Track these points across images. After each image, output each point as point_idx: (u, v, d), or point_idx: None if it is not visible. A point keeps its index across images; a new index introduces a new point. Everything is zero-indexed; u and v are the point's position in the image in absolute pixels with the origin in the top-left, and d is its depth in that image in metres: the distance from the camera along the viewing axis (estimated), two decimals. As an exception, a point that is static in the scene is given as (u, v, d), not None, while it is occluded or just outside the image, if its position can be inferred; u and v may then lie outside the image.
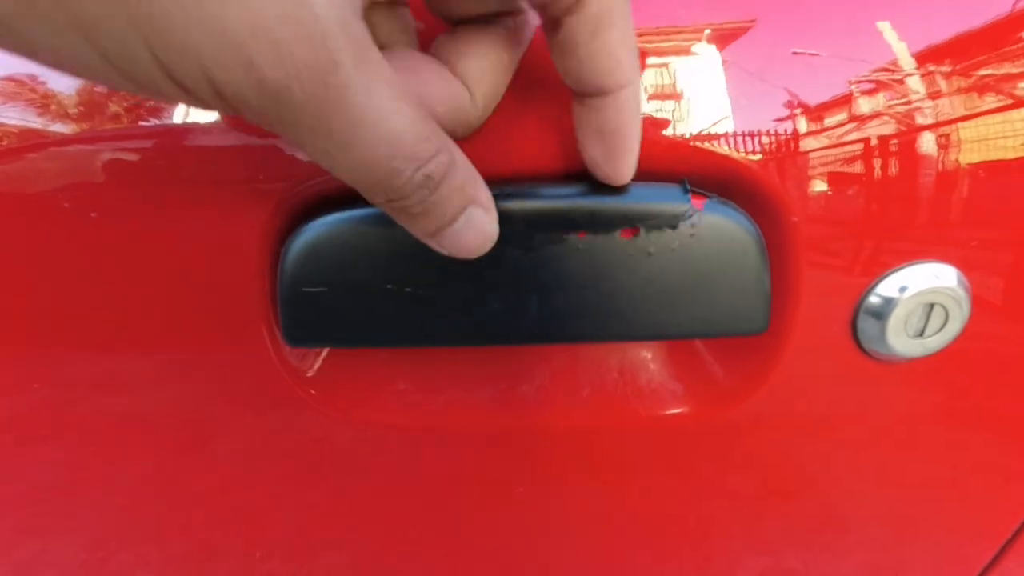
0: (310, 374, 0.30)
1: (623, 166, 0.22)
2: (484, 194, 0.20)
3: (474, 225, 0.20)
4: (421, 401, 0.31)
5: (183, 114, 0.25)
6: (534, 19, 0.22)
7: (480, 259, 0.25)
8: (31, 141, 0.26)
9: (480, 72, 0.21)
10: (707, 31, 0.25)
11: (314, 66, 0.14)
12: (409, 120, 0.17)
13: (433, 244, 0.20)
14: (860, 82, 0.25)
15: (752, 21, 0.25)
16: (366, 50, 0.16)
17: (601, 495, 0.34)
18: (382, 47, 0.20)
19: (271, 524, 0.35)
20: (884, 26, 0.26)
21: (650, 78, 0.25)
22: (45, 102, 0.26)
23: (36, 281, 0.28)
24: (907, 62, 0.25)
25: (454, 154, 0.19)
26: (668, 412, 0.31)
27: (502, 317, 0.26)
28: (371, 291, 0.25)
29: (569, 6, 0.18)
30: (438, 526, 0.34)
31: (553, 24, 0.19)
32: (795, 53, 0.25)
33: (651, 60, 0.25)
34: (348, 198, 0.25)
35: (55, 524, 0.35)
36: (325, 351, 0.31)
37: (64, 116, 0.26)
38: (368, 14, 0.20)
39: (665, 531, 0.35)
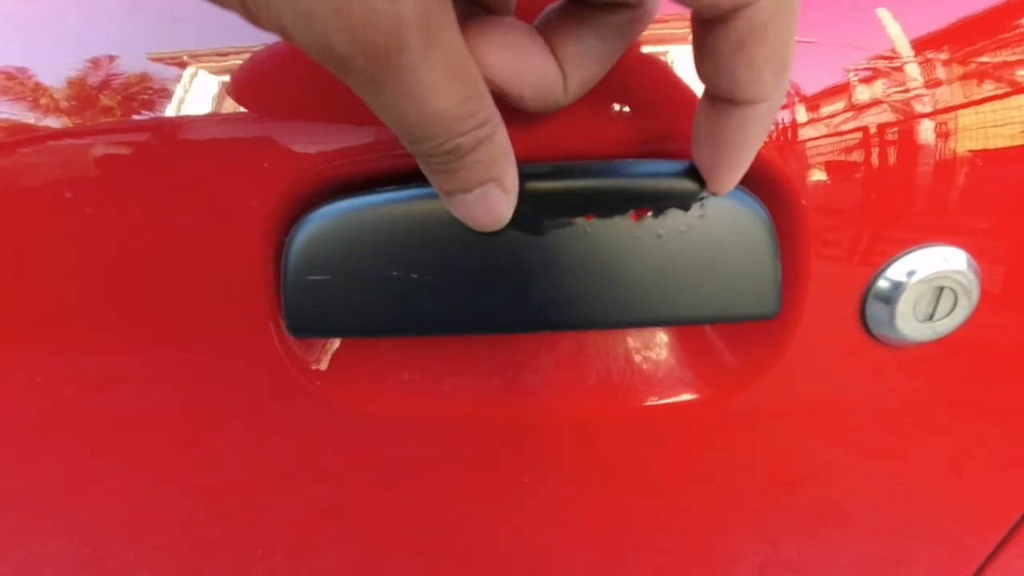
0: (315, 366, 0.30)
1: (727, 179, 0.21)
2: (509, 177, 0.20)
3: (488, 201, 0.20)
4: (427, 391, 0.31)
5: (181, 106, 0.25)
6: (651, 13, 0.21)
7: (485, 245, 0.25)
8: (28, 135, 0.25)
9: (580, 59, 0.20)
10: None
11: (382, 48, 0.15)
12: (458, 99, 0.17)
13: (445, 202, 0.21)
14: (867, 68, 0.25)
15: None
16: (439, 33, 0.16)
17: (607, 484, 0.33)
18: (485, 11, 0.20)
19: (278, 519, 0.34)
20: (887, 13, 0.25)
21: (657, 66, 0.25)
22: (40, 96, 0.26)
23: (37, 276, 0.28)
24: (911, 48, 0.25)
25: (494, 131, 0.18)
26: (676, 399, 0.31)
27: (508, 304, 0.25)
28: (376, 279, 0.25)
29: (722, 15, 0.17)
30: (444, 517, 0.34)
31: (700, 24, 0.18)
32: (800, 41, 0.25)
33: (656, 48, 0.25)
34: (352, 186, 0.25)
35: (57, 522, 0.35)
36: (330, 342, 0.30)
37: (57, 110, 0.25)
38: None
39: (673, 520, 0.35)
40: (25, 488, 0.34)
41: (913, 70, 0.25)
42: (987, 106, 0.26)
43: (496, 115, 0.19)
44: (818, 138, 0.25)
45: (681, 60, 0.25)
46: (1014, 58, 0.25)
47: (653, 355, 0.31)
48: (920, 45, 0.25)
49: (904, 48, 0.25)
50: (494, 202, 0.20)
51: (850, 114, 0.25)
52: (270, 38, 0.24)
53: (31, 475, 0.33)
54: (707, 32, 0.17)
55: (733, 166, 0.21)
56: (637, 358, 0.31)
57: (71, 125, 0.25)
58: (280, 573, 0.36)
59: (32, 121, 0.26)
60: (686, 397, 0.31)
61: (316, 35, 0.14)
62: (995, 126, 0.26)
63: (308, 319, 0.26)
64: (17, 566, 0.37)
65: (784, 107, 0.25)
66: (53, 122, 0.25)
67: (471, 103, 0.17)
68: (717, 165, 0.21)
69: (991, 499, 0.35)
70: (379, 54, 0.15)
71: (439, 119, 0.17)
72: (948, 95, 0.25)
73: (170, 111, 0.25)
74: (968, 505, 0.35)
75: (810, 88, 0.25)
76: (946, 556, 0.38)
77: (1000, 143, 0.26)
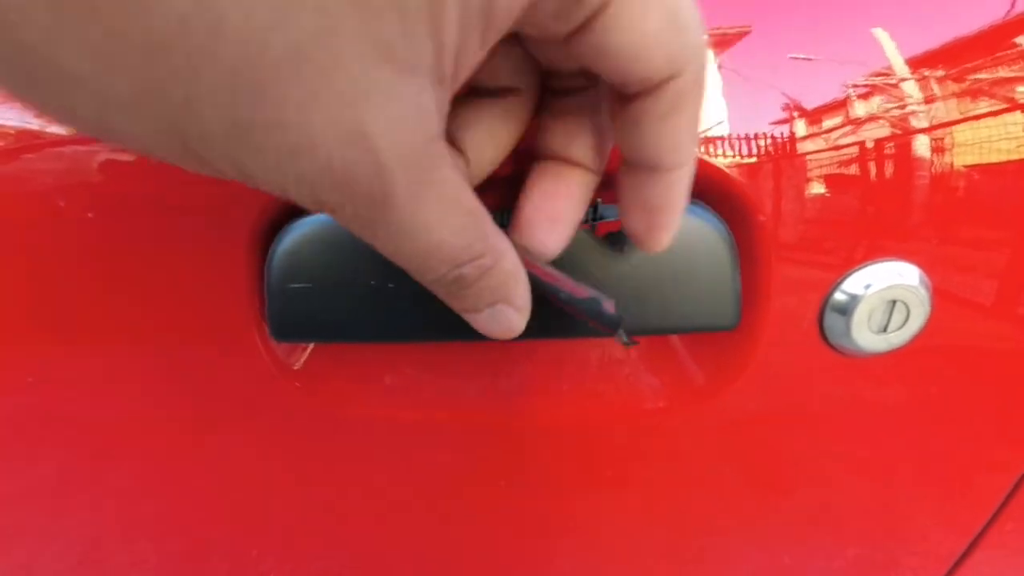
0: (296, 367, 0.31)
1: (663, 239, 0.22)
2: (519, 295, 0.20)
3: (499, 320, 0.20)
4: (405, 396, 0.32)
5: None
6: (533, 98, 0.22)
7: None
8: (27, 142, 0.27)
9: (481, 145, 0.21)
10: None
11: (367, 197, 0.15)
12: (452, 231, 0.17)
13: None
14: (825, 85, 0.27)
15: (719, 28, 0.27)
16: (429, 171, 0.16)
17: (583, 489, 0.34)
18: None
19: (266, 521, 0.35)
20: (862, 29, 0.27)
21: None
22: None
23: (29, 280, 0.29)
24: (879, 64, 0.26)
25: (500, 257, 0.19)
26: (646, 406, 0.32)
27: None
28: (356, 287, 0.26)
29: (647, 89, 0.17)
30: (422, 519, 0.35)
31: (622, 100, 0.18)
32: (792, 56, 0.27)
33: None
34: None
35: (48, 525, 0.36)
36: (313, 346, 0.32)
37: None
38: None
39: (645, 525, 0.36)
40: (16, 490, 0.35)
41: (867, 89, 0.27)
42: (941, 130, 0.27)
43: (500, 242, 0.19)
44: (774, 154, 0.27)
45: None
46: (971, 79, 0.27)
47: (625, 363, 0.33)
48: (881, 63, 0.26)
49: (863, 67, 0.26)
50: (505, 320, 0.20)
51: (806, 133, 0.27)
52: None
53: (21, 477, 0.34)
54: (630, 105, 0.18)
55: (667, 226, 0.21)
56: (610, 366, 0.33)
57: (64, 134, 0.27)
58: (272, 574, 0.37)
59: (37, 128, 0.27)
60: (656, 404, 0.32)
61: (308, 191, 0.15)
62: (953, 151, 0.27)
63: (290, 324, 0.27)
64: (12, 567, 0.37)
65: (742, 123, 0.26)
66: (56, 129, 0.27)
67: (468, 233, 0.17)
68: (653, 229, 0.21)
69: (954, 505, 0.36)
70: (366, 202, 0.15)
71: (436, 253, 0.17)
72: (904, 115, 0.27)
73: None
74: (932, 511, 0.36)
75: (768, 107, 0.27)
76: (915, 563, 0.39)
77: (955, 161, 0.27)
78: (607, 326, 0.24)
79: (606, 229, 0.26)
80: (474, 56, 0.15)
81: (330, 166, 0.14)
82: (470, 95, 0.21)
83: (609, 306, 0.24)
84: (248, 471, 0.33)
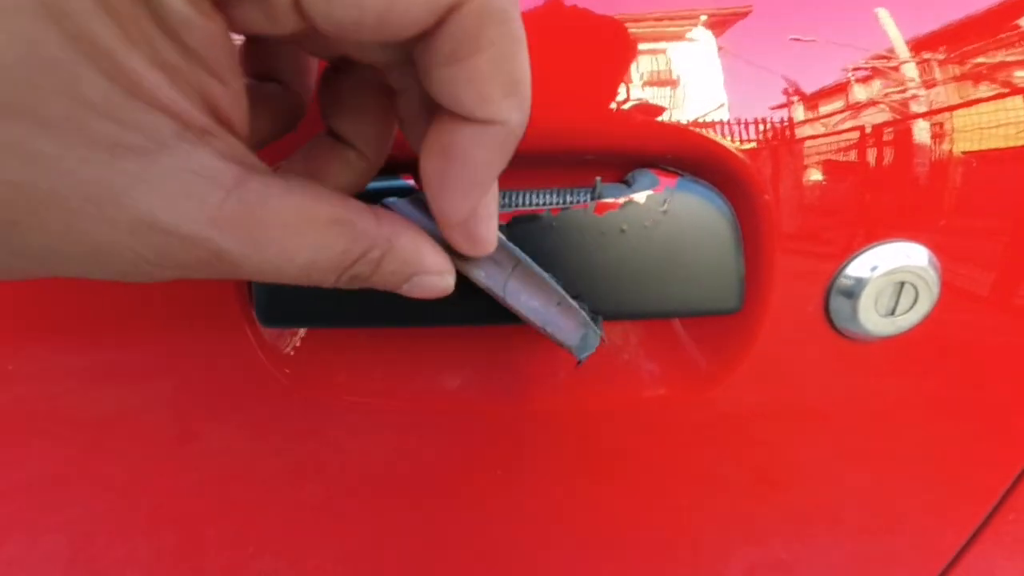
0: (287, 351, 0.30)
1: (457, 202, 0.18)
2: (431, 262, 0.20)
3: (423, 288, 0.20)
4: (397, 384, 0.31)
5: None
6: (399, 69, 0.20)
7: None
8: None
9: (367, 134, 0.21)
10: (671, 19, 0.26)
11: (208, 265, 0.15)
12: (316, 249, 0.16)
13: None
14: (831, 67, 0.26)
15: (720, 9, 0.26)
16: (253, 216, 0.15)
17: (579, 478, 0.34)
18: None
19: (261, 515, 0.34)
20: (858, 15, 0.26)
21: (624, 65, 0.25)
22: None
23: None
24: (884, 45, 0.25)
25: (390, 241, 0.18)
26: (645, 393, 0.31)
27: (474, 296, 0.26)
28: None
29: (427, 28, 0.15)
30: (416, 508, 0.34)
31: (410, 47, 0.16)
32: (792, 39, 0.26)
33: (621, 53, 0.25)
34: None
35: (41, 520, 0.35)
36: (302, 334, 0.31)
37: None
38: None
39: (644, 514, 0.35)
40: (9, 485, 0.34)
41: (873, 71, 0.26)
42: (951, 112, 0.26)
43: (386, 226, 0.18)
44: (780, 134, 0.26)
45: (678, 58, 0.25)
46: (981, 59, 0.26)
47: (624, 350, 0.32)
48: (885, 45, 0.26)
49: (866, 49, 0.26)
50: (428, 287, 0.20)
51: (812, 112, 0.26)
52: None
53: (13, 472, 0.33)
54: (420, 52, 0.16)
55: (465, 188, 0.18)
56: (607, 353, 0.32)
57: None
58: (268, 570, 0.36)
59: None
60: (656, 391, 0.31)
61: (149, 275, 0.15)
62: (960, 130, 0.26)
63: (278, 309, 0.26)
64: (4, 563, 0.37)
65: (747, 103, 0.25)
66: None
67: (339, 241, 0.17)
68: (446, 182, 0.18)
69: (959, 494, 0.35)
70: (211, 270, 0.15)
71: (315, 271, 0.17)
72: (911, 97, 0.26)
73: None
74: (937, 501, 0.36)
75: (772, 86, 0.26)
76: (917, 553, 0.38)
77: (962, 145, 0.26)
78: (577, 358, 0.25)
79: (605, 209, 0.25)
80: (226, 94, 0.15)
81: (142, 258, 0.14)
82: (337, 80, 0.20)
83: (577, 349, 0.25)
84: (238, 459, 0.32)
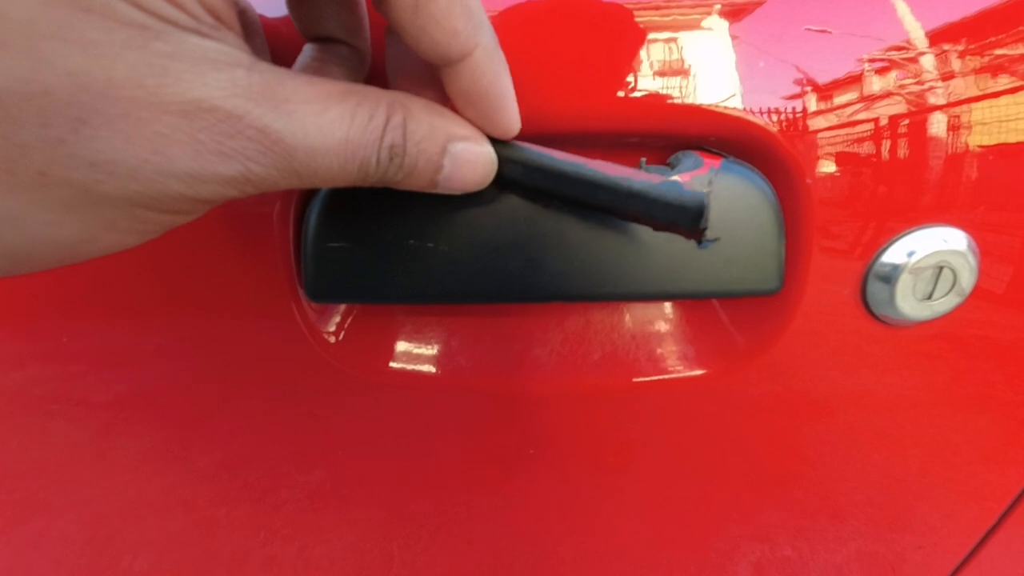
0: (331, 329, 0.31)
1: (501, 123, 0.21)
2: (458, 126, 0.20)
3: (463, 162, 0.20)
4: (435, 363, 0.32)
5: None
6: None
7: (499, 216, 0.26)
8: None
9: (349, 22, 0.22)
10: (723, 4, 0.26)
11: (256, 143, 0.16)
12: (345, 123, 0.17)
13: (440, 191, 0.21)
14: (879, 57, 0.26)
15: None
16: (277, 87, 0.16)
17: (611, 459, 0.34)
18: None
19: (297, 482, 0.35)
20: (899, 4, 0.26)
21: (669, 47, 0.26)
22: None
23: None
24: (919, 33, 0.26)
25: (407, 108, 0.19)
26: (678, 375, 0.31)
27: (519, 275, 0.26)
28: (393, 247, 0.26)
29: None
30: (450, 489, 0.35)
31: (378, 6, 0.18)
32: (807, 29, 0.26)
33: (666, 35, 0.26)
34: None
35: (64, 497, 0.36)
36: (346, 311, 0.31)
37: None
38: None
39: (678, 497, 0.36)
40: (33, 461, 0.34)
41: (923, 59, 0.26)
42: (997, 100, 0.26)
43: (394, 96, 0.19)
44: (825, 118, 0.26)
45: (724, 41, 0.26)
46: (1018, 52, 0.26)
47: (657, 330, 0.32)
48: (919, 33, 0.26)
49: (907, 37, 0.26)
50: (468, 156, 0.20)
51: (857, 96, 0.26)
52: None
53: (40, 448, 0.34)
54: (384, 11, 0.18)
55: (499, 112, 0.21)
56: (642, 333, 0.32)
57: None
58: (279, 556, 0.37)
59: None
60: (690, 372, 0.31)
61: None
62: (1003, 116, 0.26)
63: (326, 285, 0.27)
64: (23, 541, 0.37)
65: (791, 88, 0.26)
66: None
67: (359, 108, 0.18)
68: (486, 118, 0.21)
69: (985, 485, 0.36)
70: (266, 157, 0.17)
71: (347, 149, 0.18)
72: (956, 86, 0.26)
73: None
74: (963, 489, 0.36)
75: (818, 71, 0.26)
76: (936, 542, 0.38)
77: (1005, 128, 0.26)
78: (690, 222, 0.23)
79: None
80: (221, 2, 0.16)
81: (202, 145, 0.16)
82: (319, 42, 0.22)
83: (690, 191, 0.23)
84: (283, 435, 0.33)
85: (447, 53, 0.19)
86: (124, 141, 0.15)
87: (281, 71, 0.17)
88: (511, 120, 0.21)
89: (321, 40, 0.23)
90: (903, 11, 0.26)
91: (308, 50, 0.23)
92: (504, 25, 0.25)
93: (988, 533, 0.37)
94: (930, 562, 0.38)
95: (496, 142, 0.22)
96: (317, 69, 0.22)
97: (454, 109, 0.21)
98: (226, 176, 0.16)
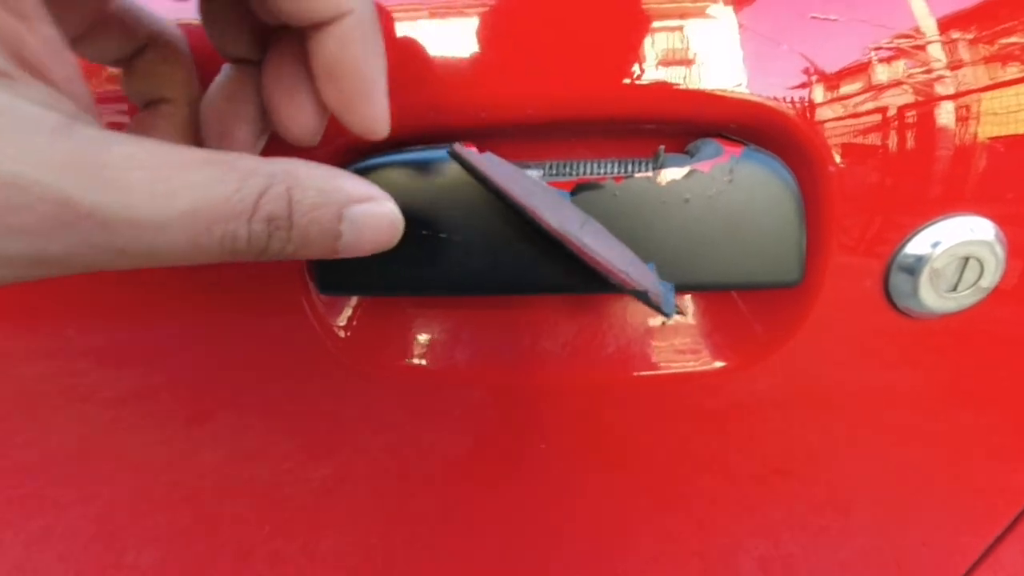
0: (341, 323, 0.30)
1: (367, 115, 0.19)
2: (353, 186, 0.18)
3: (364, 226, 0.18)
4: (446, 355, 0.31)
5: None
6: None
7: (516, 206, 0.25)
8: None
9: (177, 83, 0.21)
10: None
11: (56, 218, 0.14)
12: (195, 192, 0.15)
13: (343, 257, 0.19)
14: (898, 36, 0.25)
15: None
16: (97, 155, 0.14)
17: (626, 452, 0.34)
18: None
19: (308, 477, 0.35)
20: None
21: (687, 32, 0.25)
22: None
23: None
24: (953, 9, 0.25)
25: (292, 175, 0.16)
26: (697, 367, 0.31)
27: (534, 265, 0.26)
28: (405, 237, 0.25)
29: None
30: (461, 484, 0.35)
31: None
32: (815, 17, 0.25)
33: (680, 21, 0.25)
34: (384, 145, 0.25)
35: (72, 492, 0.35)
36: (355, 303, 0.31)
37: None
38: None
39: (694, 491, 0.35)
40: (41, 456, 0.34)
41: (941, 47, 0.25)
42: (1018, 86, 0.26)
43: (279, 164, 0.17)
44: (848, 105, 0.25)
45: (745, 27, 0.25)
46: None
47: (675, 322, 0.32)
48: (947, 24, 0.25)
49: (931, 23, 0.25)
50: (367, 219, 0.18)
51: (879, 83, 0.25)
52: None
53: (49, 442, 0.34)
54: None
55: (363, 98, 0.18)
56: (659, 325, 0.32)
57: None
58: (283, 551, 0.37)
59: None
60: (707, 364, 0.31)
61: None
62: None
63: (337, 276, 0.27)
64: (30, 536, 0.37)
65: (812, 74, 0.25)
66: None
67: (227, 180, 0.15)
68: (352, 99, 0.19)
69: (1006, 482, 0.35)
70: (70, 233, 0.14)
71: (207, 216, 0.15)
72: (975, 73, 0.25)
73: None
74: (982, 486, 0.35)
75: (839, 56, 0.25)
76: (955, 540, 0.38)
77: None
78: (656, 311, 0.24)
79: (669, 178, 0.25)
80: (33, 41, 0.14)
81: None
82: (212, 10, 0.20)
83: (658, 297, 0.23)
84: (292, 430, 0.33)
85: (312, 14, 0.17)
86: None
87: (107, 134, 0.14)
88: (378, 115, 0.19)
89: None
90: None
91: (231, 74, 0.21)
92: (521, 9, 0.24)
93: (1006, 530, 0.36)
94: (946, 560, 0.38)
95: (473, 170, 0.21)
96: (243, 94, 0.21)
97: (315, 88, 0.19)
98: (11, 257, 0.14)
